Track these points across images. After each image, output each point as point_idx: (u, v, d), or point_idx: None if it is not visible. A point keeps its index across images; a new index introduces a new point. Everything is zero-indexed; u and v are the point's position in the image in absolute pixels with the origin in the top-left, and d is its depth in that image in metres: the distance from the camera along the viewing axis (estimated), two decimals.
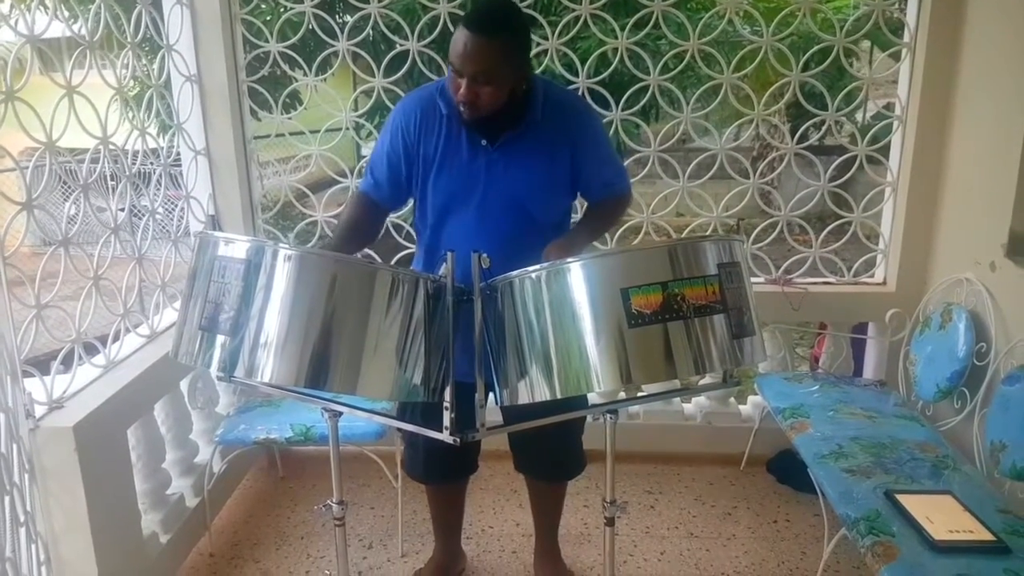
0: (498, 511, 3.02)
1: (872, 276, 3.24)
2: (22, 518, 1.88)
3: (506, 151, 1.98)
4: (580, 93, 2.98)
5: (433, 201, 2.06)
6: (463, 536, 2.66)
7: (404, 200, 2.23)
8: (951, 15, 2.80)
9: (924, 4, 2.86)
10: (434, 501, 2.50)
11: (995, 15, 2.64)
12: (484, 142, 1.98)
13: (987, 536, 1.98)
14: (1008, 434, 2.21)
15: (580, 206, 2.46)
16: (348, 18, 3.13)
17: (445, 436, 1.63)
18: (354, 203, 2.18)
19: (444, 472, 2.37)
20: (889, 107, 3.19)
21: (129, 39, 2.49)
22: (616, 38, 3.00)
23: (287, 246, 1.55)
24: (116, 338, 2.46)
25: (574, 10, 2.97)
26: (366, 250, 3.21)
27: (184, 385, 2.84)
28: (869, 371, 3.33)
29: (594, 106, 2.56)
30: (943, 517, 2.05)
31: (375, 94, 3.10)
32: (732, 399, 3.43)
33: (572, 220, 2.29)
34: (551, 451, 2.31)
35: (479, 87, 1.85)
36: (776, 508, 3.04)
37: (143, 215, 2.63)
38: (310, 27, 3.01)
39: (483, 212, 2.01)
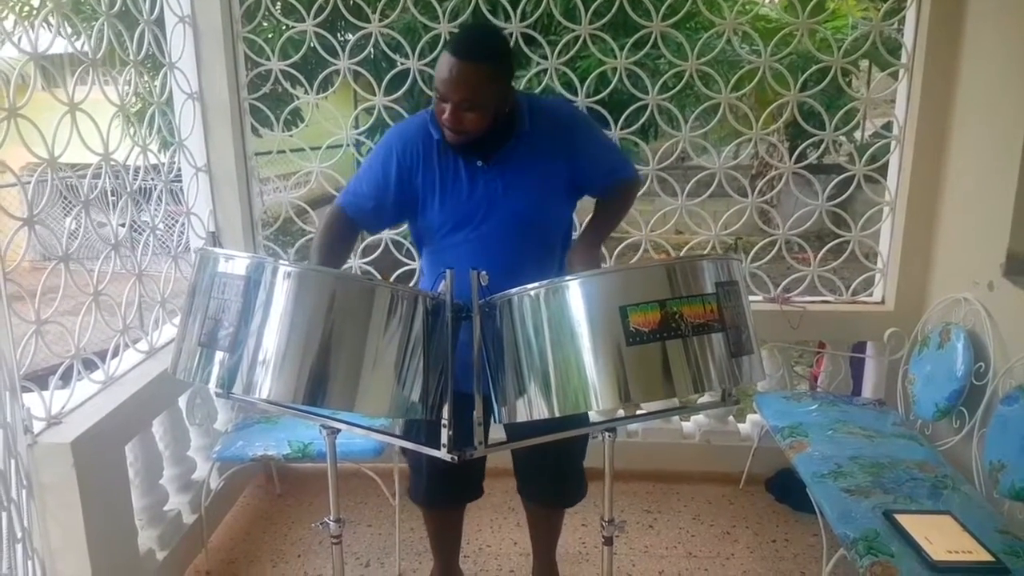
0: (496, 530, 3.01)
1: (871, 295, 3.25)
2: (19, 534, 1.87)
3: (501, 168, 1.98)
4: None
5: (439, 227, 2.04)
6: (461, 555, 2.64)
7: (382, 225, 2.23)
8: (948, 36, 2.82)
9: (921, 25, 2.88)
10: (432, 523, 2.48)
11: (992, 36, 2.66)
12: (479, 162, 1.99)
13: (986, 557, 1.97)
14: (1007, 454, 2.21)
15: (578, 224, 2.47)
16: (349, 37, 3.15)
17: (443, 453, 1.63)
18: (331, 223, 2.12)
19: (447, 498, 2.36)
20: (887, 127, 3.20)
21: (132, 56, 2.51)
22: (615, 58, 3.02)
23: (287, 263, 1.55)
24: (115, 354, 2.46)
25: (573, 30, 2.99)
26: (365, 266, 3.22)
27: (183, 401, 2.84)
28: (868, 390, 3.33)
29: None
30: (942, 537, 2.04)
31: (376, 112, 3.12)
32: (731, 418, 3.43)
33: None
34: (552, 476, 2.30)
35: (463, 112, 1.85)
36: (775, 527, 3.03)
37: (143, 231, 2.64)
38: (311, 45, 3.03)
39: (489, 231, 2.00)
